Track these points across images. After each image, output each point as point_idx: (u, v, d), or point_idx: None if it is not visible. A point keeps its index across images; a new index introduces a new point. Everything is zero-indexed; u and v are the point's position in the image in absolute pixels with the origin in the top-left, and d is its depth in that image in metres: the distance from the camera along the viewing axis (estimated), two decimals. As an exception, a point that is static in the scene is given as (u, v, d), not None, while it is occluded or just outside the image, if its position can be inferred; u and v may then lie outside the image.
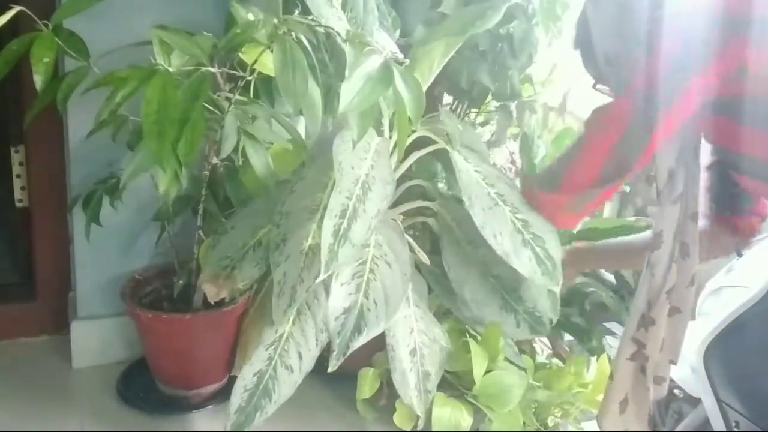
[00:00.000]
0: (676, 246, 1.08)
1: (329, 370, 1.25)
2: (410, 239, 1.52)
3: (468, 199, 1.36)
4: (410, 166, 1.58)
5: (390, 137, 1.46)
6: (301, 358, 1.47)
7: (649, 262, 1.12)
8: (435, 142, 1.52)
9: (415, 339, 1.51)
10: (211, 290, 1.58)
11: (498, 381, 1.65)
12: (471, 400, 1.65)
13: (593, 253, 1.50)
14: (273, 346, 1.46)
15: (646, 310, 1.12)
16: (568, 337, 1.90)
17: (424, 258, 1.58)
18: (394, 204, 1.58)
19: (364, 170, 1.29)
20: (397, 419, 1.67)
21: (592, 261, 1.52)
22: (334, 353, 1.24)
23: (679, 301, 1.11)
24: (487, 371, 1.65)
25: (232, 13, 1.58)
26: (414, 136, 1.48)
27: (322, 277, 1.20)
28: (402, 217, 1.63)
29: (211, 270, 1.54)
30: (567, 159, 1.15)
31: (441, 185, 1.76)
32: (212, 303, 1.65)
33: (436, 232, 1.56)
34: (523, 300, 1.47)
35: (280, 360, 1.46)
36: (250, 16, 1.57)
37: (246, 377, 1.45)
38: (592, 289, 1.86)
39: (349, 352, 1.25)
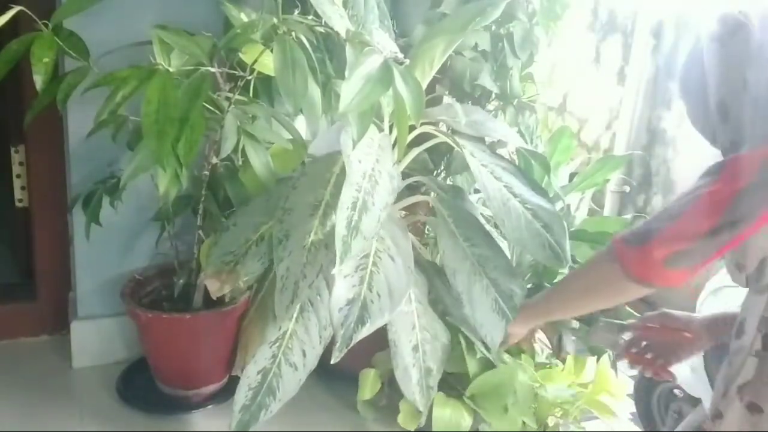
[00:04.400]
0: (758, 338, 1.00)
1: (332, 361, 1.24)
2: (412, 236, 1.52)
3: (487, 199, 1.38)
4: (409, 162, 1.58)
5: (390, 133, 1.46)
6: (305, 355, 1.47)
7: (730, 350, 1.03)
8: (435, 137, 1.52)
9: (417, 335, 1.51)
10: (213, 285, 1.58)
11: (488, 380, 1.65)
12: (467, 400, 1.65)
13: (544, 305, 1.33)
14: (277, 344, 1.46)
15: (718, 401, 1.03)
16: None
17: (426, 254, 1.58)
18: (396, 200, 1.58)
19: (370, 164, 1.30)
20: (401, 419, 1.67)
21: (544, 312, 1.33)
22: (338, 344, 1.23)
23: (759, 398, 0.99)
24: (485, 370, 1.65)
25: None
26: (415, 133, 1.48)
27: (337, 269, 1.20)
28: (404, 213, 1.63)
29: (214, 266, 1.54)
30: (675, 208, 1.00)
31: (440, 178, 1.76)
32: (214, 299, 1.65)
33: (433, 226, 1.56)
34: (513, 302, 1.43)
35: (284, 358, 1.46)
36: (243, 17, 1.57)
37: (250, 375, 1.44)
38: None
39: (353, 343, 1.25)
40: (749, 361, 1.00)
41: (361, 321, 1.26)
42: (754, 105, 0.98)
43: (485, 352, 1.53)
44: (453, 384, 1.70)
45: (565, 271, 1.41)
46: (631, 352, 1.26)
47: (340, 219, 1.20)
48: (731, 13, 1.03)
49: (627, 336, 1.28)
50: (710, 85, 1.03)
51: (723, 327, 1.21)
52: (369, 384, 1.74)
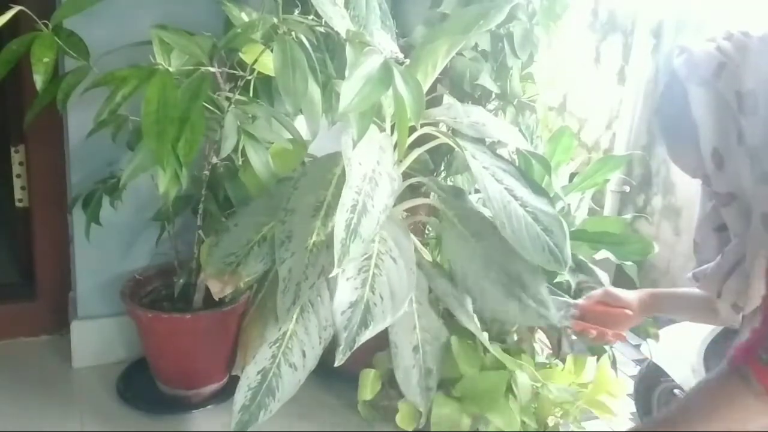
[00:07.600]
0: None
1: (336, 364, 1.24)
2: (413, 236, 1.52)
3: (487, 200, 1.38)
4: (410, 163, 1.58)
5: (391, 134, 1.46)
6: (304, 356, 1.47)
7: None
8: (436, 138, 1.52)
9: (417, 336, 1.51)
10: (215, 286, 1.58)
11: (480, 382, 1.63)
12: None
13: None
14: (277, 344, 1.46)
15: None
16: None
17: (427, 255, 1.58)
18: (397, 202, 1.58)
19: (371, 166, 1.29)
20: (400, 419, 1.67)
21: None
22: (341, 347, 1.23)
23: None
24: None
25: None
26: (416, 134, 1.48)
27: (335, 272, 1.20)
28: (405, 214, 1.63)
29: (216, 267, 1.54)
30: None
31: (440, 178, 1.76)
32: (216, 299, 1.65)
33: (437, 228, 1.55)
34: (527, 286, 1.44)
35: (283, 358, 1.46)
36: (244, 16, 1.57)
37: (250, 375, 1.44)
38: (590, 286, 1.86)
39: (356, 346, 1.25)
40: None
41: (364, 324, 1.26)
42: (751, 154, 0.97)
43: (489, 348, 1.52)
44: (445, 385, 1.68)
45: (565, 272, 1.41)
46: (579, 323, 1.39)
47: (339, 222, 1.20)
48: (709, 51, 1.01)
49: (574, 311, 1.42)
50: (702, 132, 1.01)
51: (657, 305, 1.36)
52: (369, 384, 1.74)
